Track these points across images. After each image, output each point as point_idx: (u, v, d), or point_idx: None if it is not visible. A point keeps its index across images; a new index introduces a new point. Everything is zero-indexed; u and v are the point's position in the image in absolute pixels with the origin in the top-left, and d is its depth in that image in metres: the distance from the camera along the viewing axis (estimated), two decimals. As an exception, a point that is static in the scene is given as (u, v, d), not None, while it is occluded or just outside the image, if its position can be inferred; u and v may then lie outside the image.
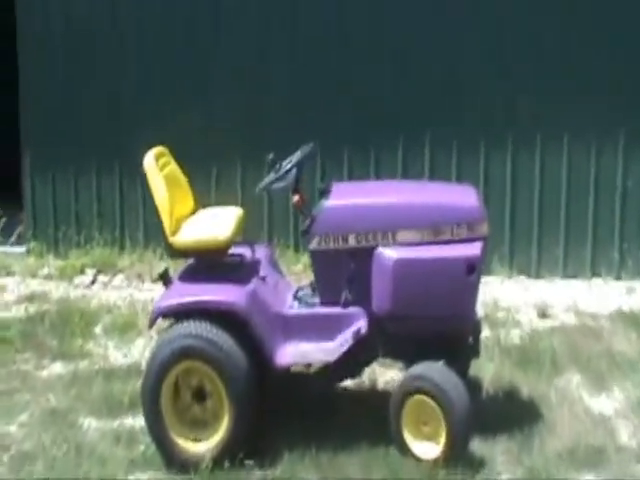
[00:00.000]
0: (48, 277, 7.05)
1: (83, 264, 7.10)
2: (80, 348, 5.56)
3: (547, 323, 5.93)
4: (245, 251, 4.47)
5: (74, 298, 6.51)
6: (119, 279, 6.95)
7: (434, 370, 3.86)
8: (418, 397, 3.83)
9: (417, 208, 4.05)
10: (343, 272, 4.04)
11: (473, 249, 3.92)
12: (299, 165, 4.13)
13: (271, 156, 4.22)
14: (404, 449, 3.89)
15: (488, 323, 5.56)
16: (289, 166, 4.13)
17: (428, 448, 3.85)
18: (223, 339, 3.86)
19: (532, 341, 5.51)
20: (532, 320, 5.97)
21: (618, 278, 6.85)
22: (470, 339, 4.19)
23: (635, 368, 5.02)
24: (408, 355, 4.08)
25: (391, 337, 4.02)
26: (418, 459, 3.84)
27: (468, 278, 3.88)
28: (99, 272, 7.01)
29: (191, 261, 4.38)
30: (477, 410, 3.93)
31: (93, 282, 6.88)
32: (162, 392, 3.88)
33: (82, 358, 5.40)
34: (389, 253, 3.93)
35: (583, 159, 6.80)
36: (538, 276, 6.91)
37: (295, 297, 4.38)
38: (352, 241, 4.01)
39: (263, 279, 4.30)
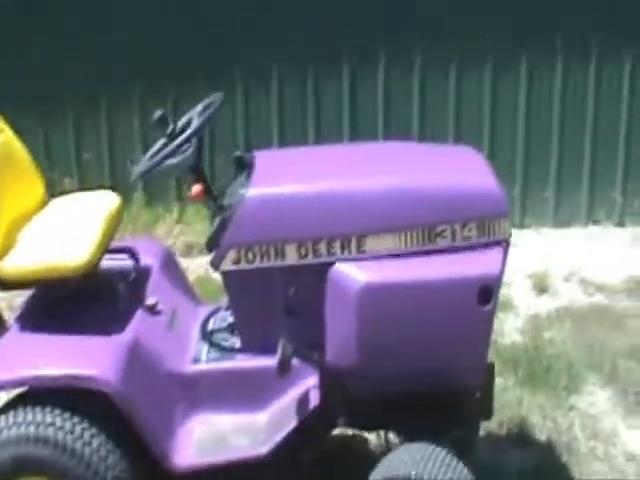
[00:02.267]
0: None
1: None
2: None
3: (549, 303, 4.58)
4: (121, 263, 2.96)
5: None
6: None
7: (430, 465, 2.33)
8: None
9: (396, 196, 2.48)
10: (276, 303, 2.60)
11: (491, 262, 2.44)
12: (200, 131, 2.59)
13: (159, 113, 2.67)
14: None
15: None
16: (187, 133, 2.56)
17: None
18: (81, 439, 2.38)
19: (536, 338, 4.13)
20: (529, 300, 4.61)
21: (620, 225, 5.64)
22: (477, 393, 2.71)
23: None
24: (386, 425, 2.67)
25: (358, 402, 2.53)
26: None
27: (481, 309, 2.39)
28: None
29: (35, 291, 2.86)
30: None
31: None
32: None
33: None
34: (353, 272, 2.41)
35: (580, 81, 5.45)
36: (523, 225, 5.59)
37: (205, 336, 2.86)
38: (291, 255, 2.49)
39: (152, 311, 2.81)
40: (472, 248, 2.46)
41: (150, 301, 2.83)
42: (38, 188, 3.00)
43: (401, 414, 2.54)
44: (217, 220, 2.57)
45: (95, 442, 2.39)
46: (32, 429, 2.36)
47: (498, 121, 5.53)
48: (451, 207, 2.47)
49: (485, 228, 2.46)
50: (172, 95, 5.29)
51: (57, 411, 2.40)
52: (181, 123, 2.74)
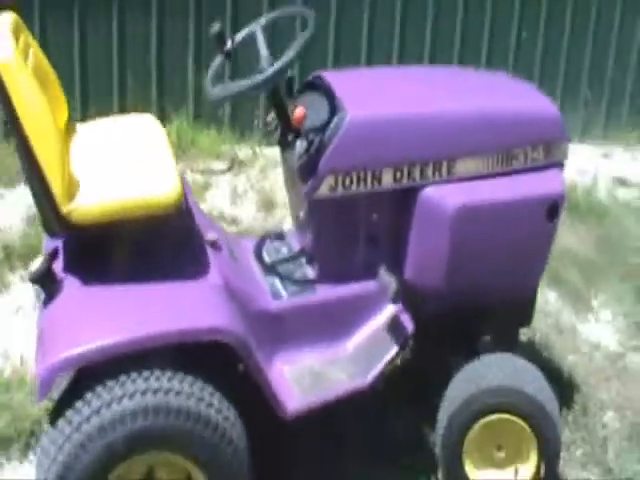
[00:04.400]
0: None
1: None
2: None
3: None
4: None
5: None
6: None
7: (520, 373, 2.55)
8: (499, 416, 2.51)
9: (482, 121, 2.53)
10: (358, 231, 2.56)
11: (555, 182, 2.59)
12: (293, 61, 2.36)
13: (217, 27, 2.49)
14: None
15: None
16: (280, 66, 2.31)
17: (497, 477, 2.59)
18: (202, 401, 2.14)
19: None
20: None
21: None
22: None
23: None
24: (454, 342, 2.76)
25: (433, 321, 2.64)
26: None
27: (548, 225, 2.58)
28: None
29: (77, 242, 2.36)
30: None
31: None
32: None
33: None
34: (448, 195, 2.47)
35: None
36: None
37: (270, 269, 2.70)
38: (387, 179, 2.45)
39: (216, 247, 2.50)
40: (538, 169, 2.59)
41: (211, 236, 2.52)
42: (65, 112, 2.64)
43: (472, 327, 2.68)
44: (303, 145, 2.40)
45: (215, 402, 2.15)
46: (150, 398, 2.05)
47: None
48: (525, 131, 2.57)
49: (550, 150, 2.60)
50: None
51: (170, 374, 2.12)
52: (241, 37, 2.53)
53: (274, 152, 4.50)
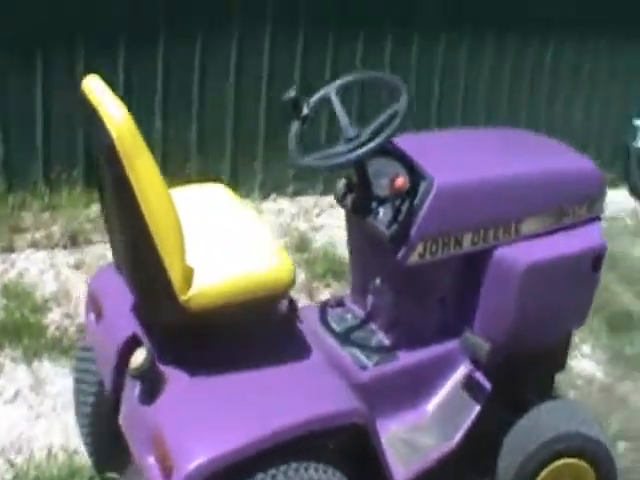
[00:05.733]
0: None
1: None
2: None
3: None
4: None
5: None
6: None
7: (578, 417, 2.67)
8: (565, 462, 2.60)
9: (542, 180, 2.62)
10: (432, 294, 2.59)
11: (597, 235, 2.72)
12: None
13: (292, 92, 2.39)
14: None
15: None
16: (375, 144, 2.25)
17: None
18: None
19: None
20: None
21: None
22: None
23: None
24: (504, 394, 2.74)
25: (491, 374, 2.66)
26: None
27: (593, 275, 2.69)
28: None
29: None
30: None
31: None
32: None
33: None
34: (516, 254, 2.53)
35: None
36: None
37: (344, 339, 2.64)
38: (466, 243, 2.48)
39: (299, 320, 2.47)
40: (582, 223, 2.71)
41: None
42: None
43: (519, 377, 2.72)
44: (388, 213, 2.38)
45: None
46: None
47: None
48: (575, 189, 2.68)
49: (593, 206, 2.73)
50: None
51: (307, 465, 1.99)
52: (315, 100, 2.45)
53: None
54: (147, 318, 2.13)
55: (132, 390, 2.10)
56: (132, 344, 2.16)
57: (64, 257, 3.98)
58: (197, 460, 1.87)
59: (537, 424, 2.63)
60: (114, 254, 2.23)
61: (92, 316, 2.43)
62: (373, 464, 2.23)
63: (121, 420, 2.18)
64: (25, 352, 3.26)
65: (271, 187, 4.97)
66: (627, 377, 3.88)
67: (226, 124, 4.79)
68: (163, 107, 4.58)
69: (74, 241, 4.10)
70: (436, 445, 2.45)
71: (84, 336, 2.66)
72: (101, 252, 4.03)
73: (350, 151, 2.27)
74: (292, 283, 2.16)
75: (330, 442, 2.14)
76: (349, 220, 2.66)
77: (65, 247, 4.06)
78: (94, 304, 2.42)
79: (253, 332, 2.19)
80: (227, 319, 2.09)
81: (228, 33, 4.63)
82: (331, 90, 2.47)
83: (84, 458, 2.73)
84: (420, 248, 2.38)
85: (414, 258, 2.38)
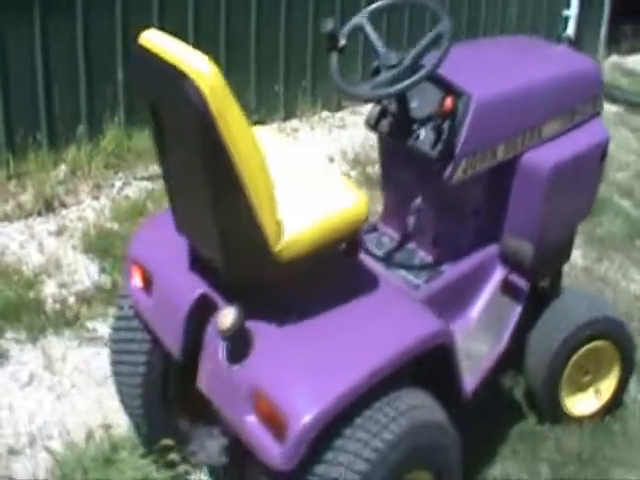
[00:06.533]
0: None
1: None
2: None
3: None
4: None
5: None
6: None
7: (598, 303, 2.90)
8: (596, 344, 2.77)
9: (558, 84, 2.65)
10: (467, 207, 2.61)
11: (602, 129, 2.79)
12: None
13: (330, 24, 2.35)
14: (558, 413, 2.80)
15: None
16: (418, 77, 2.24)
17: (586, 402, 2.86)
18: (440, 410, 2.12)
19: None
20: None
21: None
22: None
23: None
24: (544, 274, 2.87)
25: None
26: (569, 418, 2.82)
27: (601, 164, 2.78)
28: None
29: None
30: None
31: None
32: None
33: None
34: (541, 157, 2.55)
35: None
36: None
37: (387, 263, 2.66)
38: (500, 154, 2.50)
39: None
40: (587, 120, 2.75)
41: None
42: None
43: (550, 266, 2.82)
44: (431, 134, 2.38)
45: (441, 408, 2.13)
46: (415, 417, 1.97)
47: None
48: (583, 89, 2.73)
49: (596, 103, 2.77)
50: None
51: (407, 390, 2.03)
52: (347, 31, 2.42)
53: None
54: (232, 274, 2.01)
55: (215, 350, 2.03)
56: (202, 305, 2.10)
57: (42, 225, 3.76)
58: (312, 410, 1.83)
59: (566, 313, 2.75)
60: (180, 216, 2.12)
61: (136, 284, 2.32)
62: (444, 380, 2.24)
63: (202, 382, 2.09)
64: (28, 332, 3.08)
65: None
66: (603, 257, 4.11)
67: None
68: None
69: (49, 207, 3.86)
70: (489, 350, 2.52)
71: (119, 305, 2.47)
72: (80, 214, 3.86)
73: (396, 79, 2.25)
74: (367, 217, 2.14)
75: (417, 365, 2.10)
76: (384, 144, 2.66)
77: (40, 214, 3.82)
78: (140, 271, 2.31)
79: (327, 272, 2.15)
80: (311, 263, 2.03)
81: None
82: (363, 18, 2.45)
83: (122, 430, 2.62)
84: (464, 164, 2.40)
85: (459, 175, 2.40)
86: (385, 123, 2.51)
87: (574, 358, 2.72)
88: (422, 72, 2.24)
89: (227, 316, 1.93)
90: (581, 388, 2.82)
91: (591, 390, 2.84)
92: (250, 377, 1.94)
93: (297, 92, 5.23)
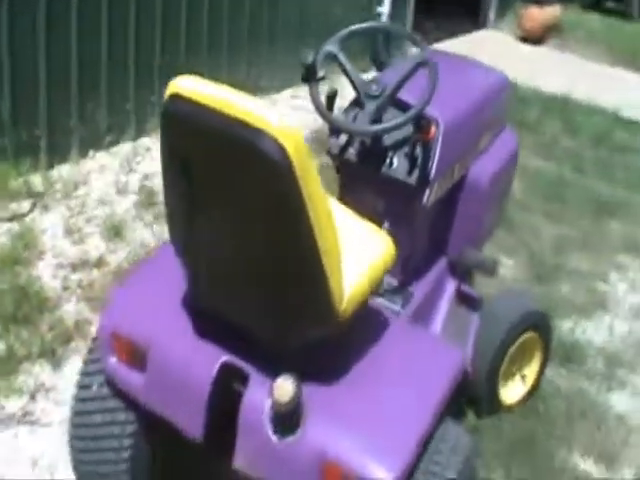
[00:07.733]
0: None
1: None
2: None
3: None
4: None
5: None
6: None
7: (531, 297, 3.18)
8: (525, 336, 2.98)
9: (489, 102, 2.85)
10: (434, 221, 2.75)
11: (513, 134, 3.13)
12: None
13: (310, 57, 2.33)
14: (495, 404, 2.98)
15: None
16: (426, 100, 2.27)
17: (515, 389, 3.09)
18: None
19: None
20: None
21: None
22: None
23: None
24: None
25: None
26: (502, 407, 3.03)
27: (515, 165, 3.16)
28: None
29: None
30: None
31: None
32: None
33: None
34: (481, 169, 2.75)
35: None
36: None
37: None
38: (456, 173, 2.63)
39: None
40: (503, 129, 3.03)
41: None
42: None
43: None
44: (404, 160, 2.38)
45: None
46: (465, 443, 2.07)
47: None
48: (503, 102, 2.99)
49: (508, 111, 3.08)
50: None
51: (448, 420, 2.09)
52: (320, 60, 2.37)
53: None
54: (289, 340, 1.92)
55: (258, 424, 1.88)
56: (225, 376, 1.95)
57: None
58: (394, 470, 1.80)
59: (499, 311, 2.92)
60: (207, 285, 1.94)
61: (120, 361, 2.06)
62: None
63: (240, 461, 1.93)
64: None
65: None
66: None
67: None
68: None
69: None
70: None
71: (84, 385, 2.20)
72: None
73: (379, 110, 2.31)
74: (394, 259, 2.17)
75: None
76: (350, 172, 2.58)
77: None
78: (124, 346, 2.04)
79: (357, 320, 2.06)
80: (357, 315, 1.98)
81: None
82: (333, 47, 2.40)
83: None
84: (436, 187, 2.45)
85: (432, 198, 2.46)
86: (352, 151, 2.47)
87: (509, 353, 2.92)
88: (421, 104, 2.27)
89: (285, 388, 1.81)
90: (511, 377, 3.04)
91: (517, 377, 3.08)
92: (311, 447, 1.84)
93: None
